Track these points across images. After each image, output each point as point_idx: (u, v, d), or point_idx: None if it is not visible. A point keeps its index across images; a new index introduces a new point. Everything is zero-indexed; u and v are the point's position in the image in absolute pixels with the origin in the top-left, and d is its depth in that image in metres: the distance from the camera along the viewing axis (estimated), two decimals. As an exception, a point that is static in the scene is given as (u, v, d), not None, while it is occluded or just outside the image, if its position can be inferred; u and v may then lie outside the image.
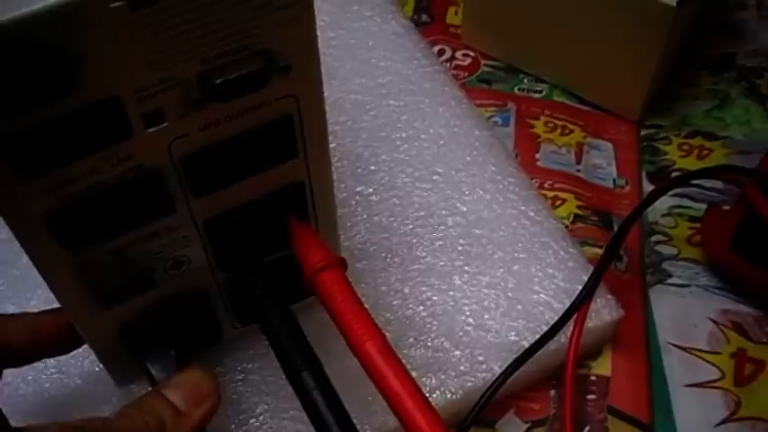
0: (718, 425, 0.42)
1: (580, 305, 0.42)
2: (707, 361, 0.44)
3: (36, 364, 0.42)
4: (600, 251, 0.48)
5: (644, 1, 0.48)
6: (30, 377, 0.41)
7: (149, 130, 0.29)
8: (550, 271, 0.44)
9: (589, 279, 0.42)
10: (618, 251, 0.45)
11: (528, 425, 0.42)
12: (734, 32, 0.61)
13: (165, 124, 0.29)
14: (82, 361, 0.42)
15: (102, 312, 0.34)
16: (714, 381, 0.44)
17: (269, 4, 0.27)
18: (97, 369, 0.41)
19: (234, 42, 0.28)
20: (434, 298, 0.43)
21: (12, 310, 0.44)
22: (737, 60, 0.59)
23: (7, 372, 0.42)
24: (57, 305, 0.44)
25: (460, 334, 0.41)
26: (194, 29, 0.27)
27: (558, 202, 0.50)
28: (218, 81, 0.28)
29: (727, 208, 0.47)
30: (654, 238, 0.49)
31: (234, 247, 0.36)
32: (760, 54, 0.59)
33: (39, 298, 0.44)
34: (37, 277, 0.45)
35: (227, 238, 0.35)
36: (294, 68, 0.30)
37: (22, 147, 0.27)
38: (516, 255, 0.45)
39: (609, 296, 0.43)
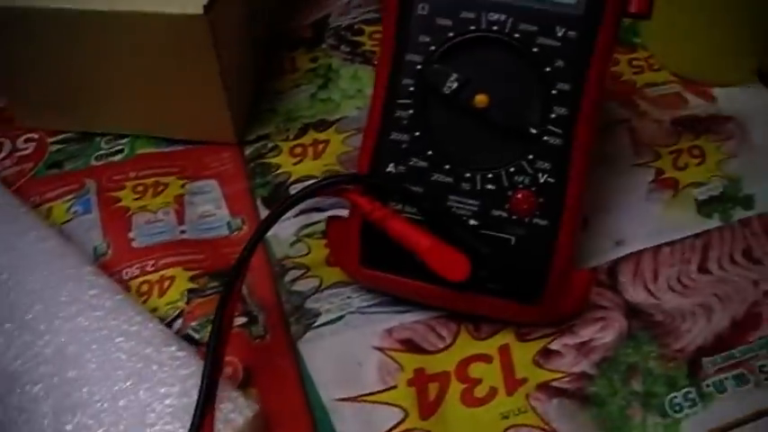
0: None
1: (199, 427, 0.35)
2: (383, 403, 0.39)
3: None
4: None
5: (171, 18, 0.41)
6: None
7: None
8: (162, 390, 0.37)
9: (200, 392, 0.35)
10: (228, 321, 0.38)
11: None
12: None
13: None
14: None
15: None
16: (397, 425, 0.38)
17: None
18: None
19: None
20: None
21: None
22: (331, 23, 0.53)
23: None
24: None
25: None
26: None
27: (167, 284, 0.43)
28: None
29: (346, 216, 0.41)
30: (288, 277, 0.43)
31: None
32: (353, 5, 0.54)
33: None
34: None
35: None
36: None
37: None
38: (119, 386, 0.37)
39: (234, 393, 0.37)
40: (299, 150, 0.47)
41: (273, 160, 0.47)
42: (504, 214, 0.38)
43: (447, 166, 0.38)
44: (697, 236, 0.44)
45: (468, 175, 0.38)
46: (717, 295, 0.42)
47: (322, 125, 0.48)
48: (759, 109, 0.50)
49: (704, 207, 0.45)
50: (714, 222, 0.45)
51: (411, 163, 0.38)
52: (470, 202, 0.38)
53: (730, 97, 0.50)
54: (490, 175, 0.38)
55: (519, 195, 0.38)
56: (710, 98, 0.50)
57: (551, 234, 0.38)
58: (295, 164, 0.47)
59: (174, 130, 0.48)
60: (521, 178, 0.38)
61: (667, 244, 0.44)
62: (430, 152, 0.38)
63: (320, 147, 0.48)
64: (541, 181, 0.38)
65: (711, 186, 0.46)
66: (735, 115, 0.50)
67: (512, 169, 0.38)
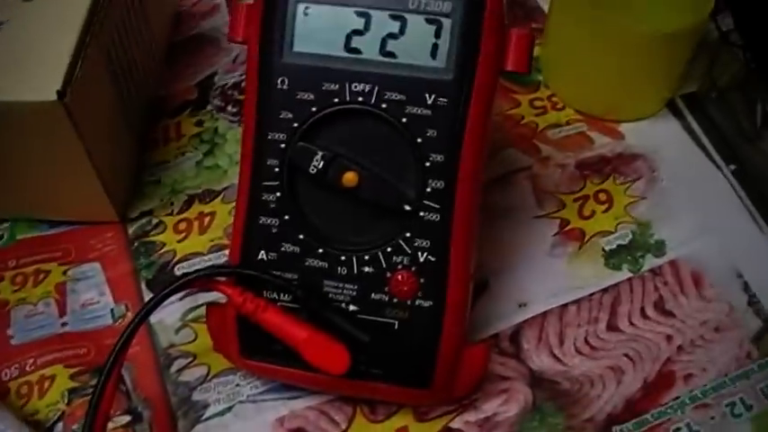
0: None
1: None
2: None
3: None
4: None
5: (26, 106, 0.38)
6: None
7: None
8: None
9: None
10: (103, 422, 0.35)
11: None
12: (205, 48, 0.52)
13: None
14: None
15: None
16: None
17: None
18: None
19: None
20: None
21: None
22: (217, 81, 0.50)
23: None
24: None
25: None
26: None
27: (47, 384, 0.40)
28: None
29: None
30: (174, 367, 0.41)
31: None
32: (240, 61, 0.51)
33: None
34: None
35: None
36: None
37: None
38: None
39: None
40: (183, 226, 0.45)
41: (158, 238, 0.45)
42: (385, 298, 0.36)
43: (320, 250, 0.36)
44: (605, 291, 0.42)
45: (343, 258, 0.36)
46: (627, 355, 0.40)
47: (208, 196, 0.46)
48: (668, 141, 0.48)
49: (612, 258, 0.43)
50: (623, 274, 0.43)
51: (282, 249, 0.36)
52: (348, 286, 0.36)
53: (639, 132, 0.48)
54: (367, 257, 0.36)
55: (398, 277, 0.35)
56: (618, 135, 0.48)
57: (437, 315, 0.36)
58: (180, 241, 0.44)
59: (53, 211, 0.46)
60: (399, 258, 0.35)
61: (574, 302, 0.42)
62: (301, 236, 0.36)
63: (206, 220, 0.45)
64: (421, 260, 0.35)
65: (619, 235, 0.44)
66: (643, 151, 0.48)
67: (389, 249, 0.35)
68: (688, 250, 0.44)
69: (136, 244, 0.45)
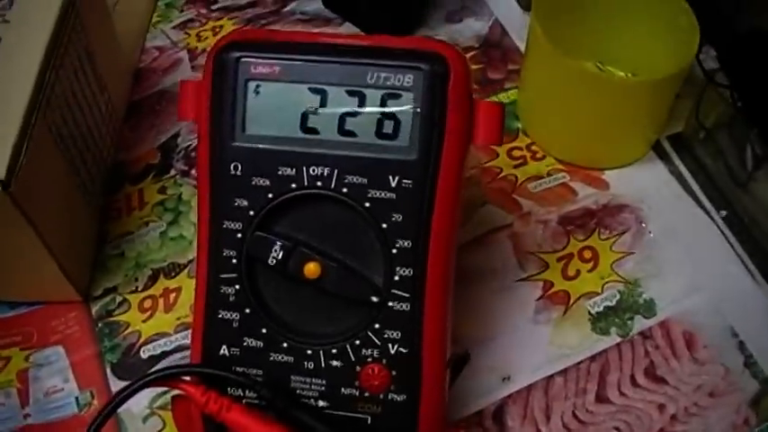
0: None
1: None
2: None
3: None
4: None
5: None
6: None
7: None
8: None
9: None
10: None
11: None
12: (167, 105, 0.50)
13: None
14: None
15: None
16: None
17: None
18: None
19: None
20: None
21: None
22: (180, 143, 0.48)
23: None
24: None
25: None
26: None
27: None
28: None
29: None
30: (146, 461, 0.38)
31: None
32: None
33: None
34: None
35: None
36: None
37: None
38: None
39: None
40: (148, 304, 0.43)
41: (122, 318, 0.43)
42: (355, 392, 0.34)
43: (285, 345, 0.34)
44: (593, 358, 0.40)
45: (309, 352, 0.34)
46: (618, 429, 0.38)
47: (173, 270, 0.44)
48: (655, 187, 0.46)
49: (599, 321, 0.41)
50: (612, 339, 0.41)
51: (245, 344, 0.34)
52: (316, 381, 0.34)
53: (624, 179, 0.46)
54: (334, 351, 0.33)
55: (369, 370, 0.33)
56: (602, 184, 0.46)
57: (411, 408, 0.34)
58: (145, 320, 0.42)
59: (12, 293, 0.44)
60: (369, 351, 0.33)
61: (560, 373, 0.40)
62: (264, 330, 0.34)
63: (171, 296, 0.43)
64: (392, 352, 0.33)
65: (606, 296, 0.42)
66: (630, 201, 0.45)
67: (357, 342, 0.33)
68: (679, 309, 0.41)
69: (100, 324, 0.43)
